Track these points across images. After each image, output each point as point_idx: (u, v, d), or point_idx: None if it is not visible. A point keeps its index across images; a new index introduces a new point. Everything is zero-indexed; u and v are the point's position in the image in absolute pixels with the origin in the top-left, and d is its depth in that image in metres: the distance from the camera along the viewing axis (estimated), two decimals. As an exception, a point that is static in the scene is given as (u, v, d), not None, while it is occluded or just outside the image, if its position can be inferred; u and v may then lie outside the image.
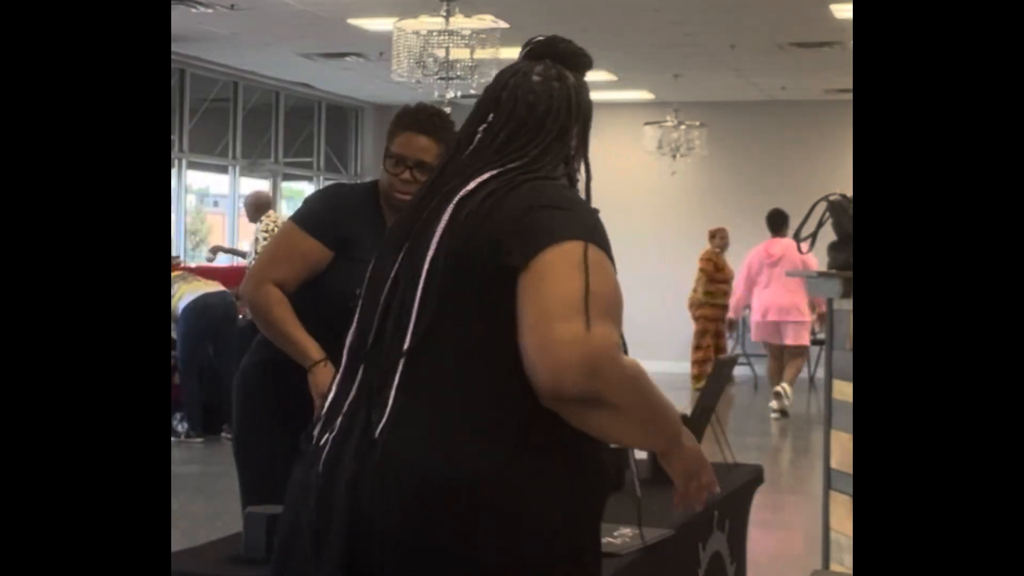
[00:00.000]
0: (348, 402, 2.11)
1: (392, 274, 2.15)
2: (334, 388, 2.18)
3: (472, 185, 2.11)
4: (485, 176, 2.13)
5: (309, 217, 3.53)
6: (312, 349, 3.42)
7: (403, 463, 1.99)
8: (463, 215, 2.08)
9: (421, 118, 3.55)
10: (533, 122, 2.18)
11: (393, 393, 2.04)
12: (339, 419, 2.11)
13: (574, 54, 2.28)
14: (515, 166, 2.14)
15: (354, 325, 2.19)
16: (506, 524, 1.97)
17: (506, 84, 2.22)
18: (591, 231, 2.07)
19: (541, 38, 2.29)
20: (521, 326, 2.00)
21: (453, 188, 2.14)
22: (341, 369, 2.19)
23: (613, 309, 2.02)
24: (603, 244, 2.07)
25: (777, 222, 11.98)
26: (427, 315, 2.06)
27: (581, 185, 2.25)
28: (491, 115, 2.20)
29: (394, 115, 3.62)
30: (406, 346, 2.06)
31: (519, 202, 2.07)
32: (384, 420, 2.02)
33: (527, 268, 2.01)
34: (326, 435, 2.11)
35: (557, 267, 2.01)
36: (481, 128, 2.20)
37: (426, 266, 2.08)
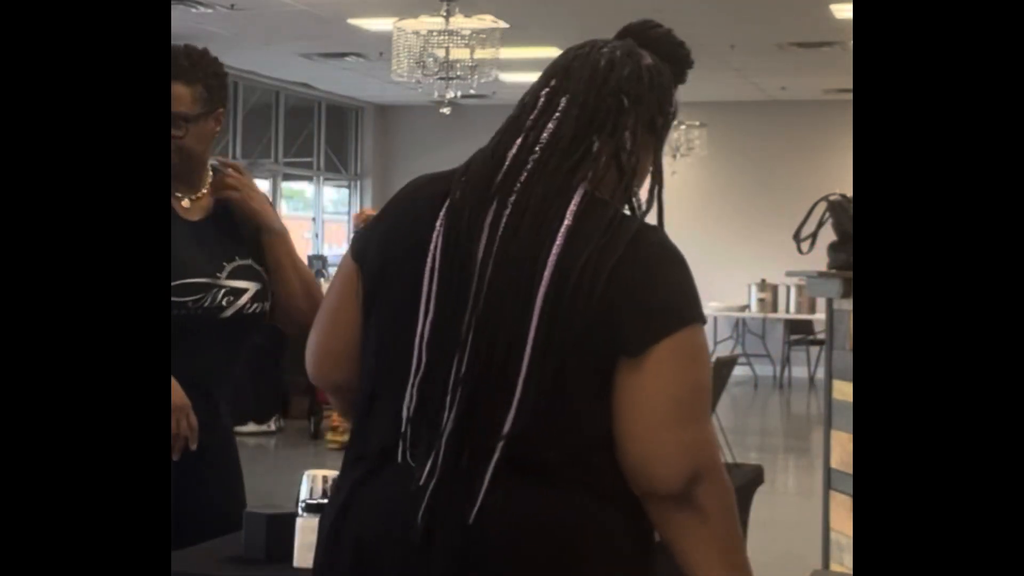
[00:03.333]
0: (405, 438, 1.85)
1: (473, 290, 1.83)
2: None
3: (569, 220, 1.83)
4: (576, 201, 1.85)
5: None
6: None
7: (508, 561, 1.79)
8: (573, 276, 1.79)
9: None
10: (598, 101, 1.93)
11: (490, 475, 1.79)
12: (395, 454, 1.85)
13: (669, 43, 2.05)
14: (598, 195, 1.88)
15: (396, 304, 1.88)
16: None
17: (576, 55, 1.97)
18: (694, 300, 1.86)
19: (638, 21, 2.04)
20: (623, 425, 1.81)
21: (545, 198, 1.85)
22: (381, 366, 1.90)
23: (710, 399, 1.86)
24: (699, 305, 1.86)
25: None
26: (533, 393, 1.79)
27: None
28: (554, 80, 1.95)
29: None
30: (507, 428, 1.79)
31: (629, 271, 1.81)
32: (480, 505, 1.79)
33: (638, 357, 1.80)
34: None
35: (670, 362, 1.80)
36: (544, 92, 1.94)
37: (532, 332, 1.79)
